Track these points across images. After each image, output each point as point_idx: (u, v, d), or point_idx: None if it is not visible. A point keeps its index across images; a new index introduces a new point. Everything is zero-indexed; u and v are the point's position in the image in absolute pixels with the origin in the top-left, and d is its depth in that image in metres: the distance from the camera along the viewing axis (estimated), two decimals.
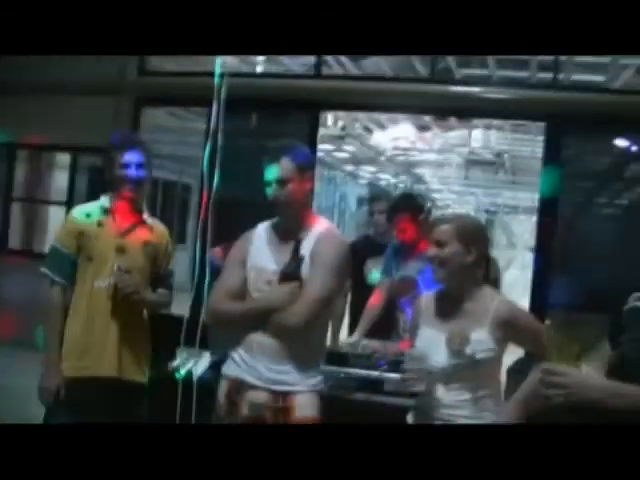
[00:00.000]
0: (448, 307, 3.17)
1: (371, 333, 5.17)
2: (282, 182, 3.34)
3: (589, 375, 2.32)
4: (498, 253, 20.71)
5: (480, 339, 3.01)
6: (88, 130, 7.60)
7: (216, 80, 4.22)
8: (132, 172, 3.76)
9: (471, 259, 3.13)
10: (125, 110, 6.92)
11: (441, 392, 3.06)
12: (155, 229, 3.96)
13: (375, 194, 6.49)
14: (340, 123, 9.46)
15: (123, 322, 3.74)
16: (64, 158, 9.06)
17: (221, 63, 4.28)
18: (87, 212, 3.84)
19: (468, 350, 3.02)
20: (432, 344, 3.09)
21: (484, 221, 21.03)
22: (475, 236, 3.17)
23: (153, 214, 4.05)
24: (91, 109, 7.65)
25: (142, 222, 3.90)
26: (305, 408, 3.23)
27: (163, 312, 4.13)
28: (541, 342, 2.91)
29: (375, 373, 4.46)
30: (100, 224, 3.79)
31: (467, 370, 3.05)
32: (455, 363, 3.04)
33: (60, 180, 9.26)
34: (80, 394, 3.66)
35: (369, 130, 10.23)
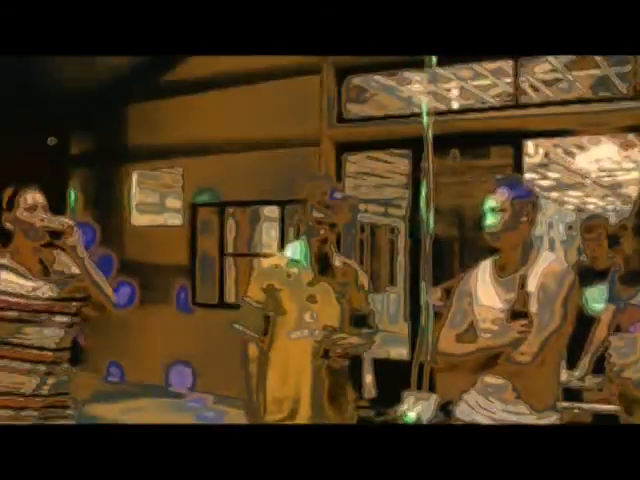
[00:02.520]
0: None
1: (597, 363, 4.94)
2: (496, 212, 3.27)
3: None
4: None
5: None
6: (294, 181, 7.80)
7: (424, 120, 4.21)
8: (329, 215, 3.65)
9: None
10: (327, 158, 7.07)
11: None
12: (344, 269, 3.87)
13: (587, 221, 6.13)
14: (541, 150, 9.21)
15: (319, 372, 3.64)
16: (272, 210, 9.33)
17: (424, 104, 4.29)
18: (275, 264, 3.81)
19: None
20: None
21: None
22: None
23: (362, 257, 3.99)
24: (295, 161, 7.82)
25: (331, 265, 3.80)
26: None
27: (383, 356, 4.08)
28: None
29: (611, 407, 4.24)
30: (289, 275, 3.73)
31: None
32: None
33: (270, 233, 9.53)
34: None
35: (571, 154, 9.90)
